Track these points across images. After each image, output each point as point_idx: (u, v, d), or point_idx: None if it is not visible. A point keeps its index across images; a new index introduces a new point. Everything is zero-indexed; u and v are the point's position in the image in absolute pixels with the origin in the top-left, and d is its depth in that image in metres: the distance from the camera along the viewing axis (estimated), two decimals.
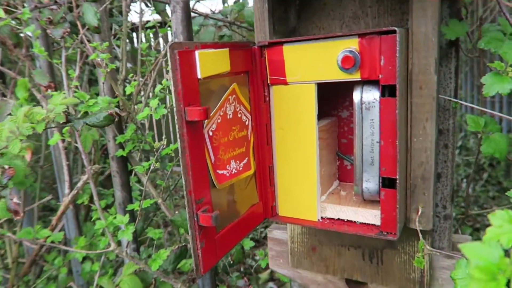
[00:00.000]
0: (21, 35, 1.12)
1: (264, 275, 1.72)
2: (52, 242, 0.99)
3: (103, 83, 1.08)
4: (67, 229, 1.32)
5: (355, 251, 0.78)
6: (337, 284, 0.83)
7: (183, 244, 1.02)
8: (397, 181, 0.60)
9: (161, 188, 1.15)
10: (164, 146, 1.03)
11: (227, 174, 0.64)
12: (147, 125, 1.41)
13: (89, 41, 1.12)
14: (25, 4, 1.15)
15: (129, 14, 1.25)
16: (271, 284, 1.71)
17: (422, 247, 0.61)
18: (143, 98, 1.25)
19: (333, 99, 0.79)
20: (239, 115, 0.66)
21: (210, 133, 0.60)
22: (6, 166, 0.66)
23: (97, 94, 1.40)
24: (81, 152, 1.02)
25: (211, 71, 0.58)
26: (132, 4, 1.31)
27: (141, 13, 1.22)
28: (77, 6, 1.01)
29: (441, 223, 0.73)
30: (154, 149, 1.04)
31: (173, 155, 1.12)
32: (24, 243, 1.06)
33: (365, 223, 0.67)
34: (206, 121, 0.59)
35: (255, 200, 0.72)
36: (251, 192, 0.71)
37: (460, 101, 0.66)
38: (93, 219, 1.10)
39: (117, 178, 1.15)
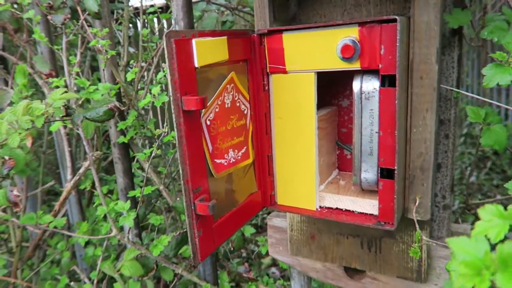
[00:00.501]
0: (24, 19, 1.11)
1: (266, 260, 1.74)
2: (55, 227, 1.00)
3: (103, 69, 1.07)
4: (70, 214, 1.34)
5: (354, 239, 0.78)
6: (336, 271, 0.84)
7: (185, 230, 1.03)
8: (396, 172, 0.60)
9: (163, 175, 1.15)
10: (166, 133, 1.03)
11: (225, 163, 0.64)
12: (150, 112, 1.41)
13: (90, 26, 1.11)
14: None
15: None
16: (273, 269, 1.72)
17: (419, 237, 0.61)
18: (145, 85, 1.24)
19: (334, 88, 0.79)
20: (238, 104, 0.66)
21: (208, 123, 0.60)
22: (7, 157, 0.67)
23: (100, 80, 1.39)
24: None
25: (209, 59, 0.57)
26: None
27: None
28: None
29: (440, 212, 0.73)
30: (156, 136, 1.04)
31: (175, 142, 1.12)
32: (28, 228, 1.07)
33: (363, 213, 0.67)
34: (203, 110, 0.58)
35: (254, 189, 0.72)
36: (250, 181, 0.71)
37: (461, 91, 0.65)
38: (95, 204, 1.11)
39: (119, 165, 1.16)
